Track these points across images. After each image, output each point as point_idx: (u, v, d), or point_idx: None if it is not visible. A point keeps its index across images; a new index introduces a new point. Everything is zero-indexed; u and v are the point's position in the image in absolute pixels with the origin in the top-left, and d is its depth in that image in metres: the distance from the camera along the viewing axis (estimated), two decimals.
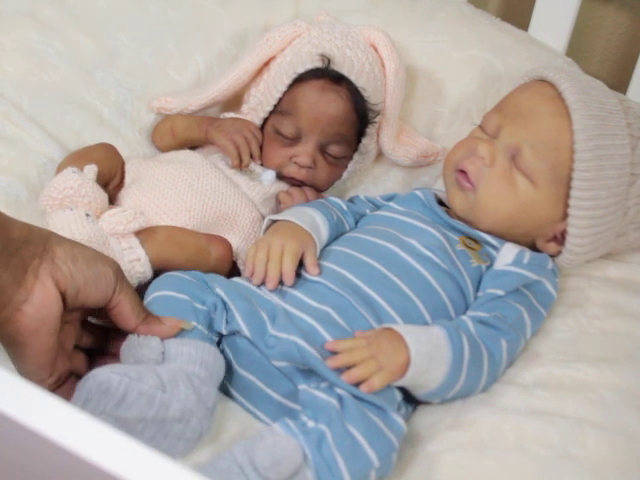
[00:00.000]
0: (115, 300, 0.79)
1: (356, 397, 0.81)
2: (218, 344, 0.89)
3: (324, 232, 0.99)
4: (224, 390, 0.89)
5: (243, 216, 1.06)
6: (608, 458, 0.80)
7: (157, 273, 0.94)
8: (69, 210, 0.90)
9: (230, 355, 0.88)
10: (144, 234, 0.95)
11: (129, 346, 0.81)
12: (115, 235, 0.92)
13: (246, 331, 0.86)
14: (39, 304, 0.73)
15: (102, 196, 0.95)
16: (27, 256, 0.73)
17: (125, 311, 0.80)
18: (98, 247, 0.90)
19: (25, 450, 0.54)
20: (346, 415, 0.79)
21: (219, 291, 0.89)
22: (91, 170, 0.97)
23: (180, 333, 0.84)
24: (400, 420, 0.81)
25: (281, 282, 0.93)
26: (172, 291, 0.88)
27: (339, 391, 0.81)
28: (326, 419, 0.78)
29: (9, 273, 0.72)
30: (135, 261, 0.92)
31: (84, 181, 0.92)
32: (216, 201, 1.04)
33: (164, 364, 0.80)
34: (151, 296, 0.88)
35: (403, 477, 0.81)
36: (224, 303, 0.89)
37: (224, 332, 0.88)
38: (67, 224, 0.89)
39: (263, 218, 1.09)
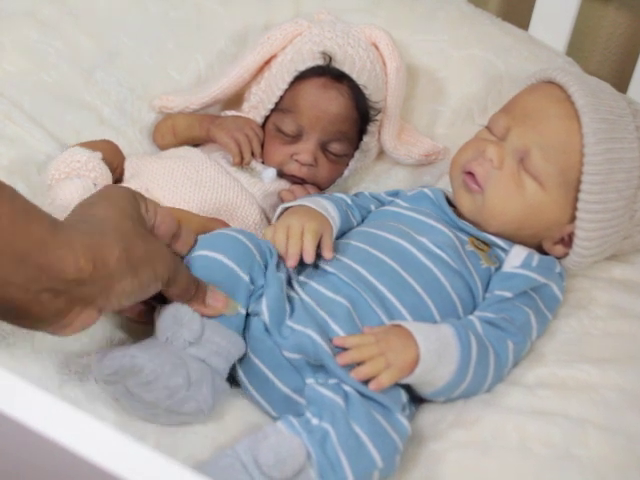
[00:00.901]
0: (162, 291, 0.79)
1: (363, 395, 0.81)
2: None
3: (337, 219, 0.99)
4: (232, 374, 0.89)
5: (243, 208, 1.06)
6: (610, 458, 0.80)
7: None
8: (77, 179, 0.90)
9: (246, 336, 0.87)
10: None
11: (173, 316, 0.81)
12: None
13: (266, 317, 0.86)
14: (79, 327, 0.72)
15: (108, 174, 0.95)
16: (78, 296, 0.69)
17: (171, 297, 0.81)
18: None
19: (24, 449, 0.53)
20: (351, 414, 0.78)
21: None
22: (96, 155, 0.98)
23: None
24: (405, 421, 0.81)
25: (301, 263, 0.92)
26: (235, 264, 0.86)
27: (346, 388, 0.81)
28: (330, 417, 0.78)
29: (50, 310, 0.68)
30: None
31: (91, 156, 0.93)
32: (215, 193, 1.04)
33: (196, 352, 0.81)
34: (210, 254, 0.86)
35: (405, 475, 0.81)
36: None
37: (248, 311, 0.87)
38: (75, 191, 0.89)
39: (264, 212, 1.09)
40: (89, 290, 0.69)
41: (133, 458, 0.50)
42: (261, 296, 0.87)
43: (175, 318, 0.81)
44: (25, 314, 0.67)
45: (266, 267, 0.89)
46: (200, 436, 0.80)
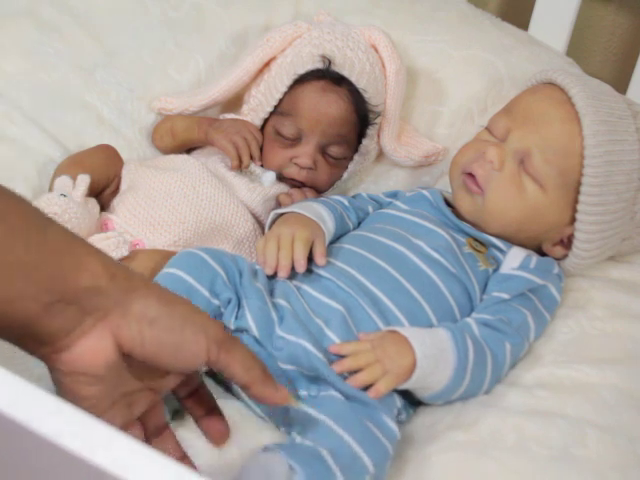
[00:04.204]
0: (218, 365, 0.67)
1: (354, 402, 0.81)
2: None
3: (330, 224, 0.99)
4: (225, 383, 0.89)
5: (238, 226, 1.06)
6: (608, 458, 0.80)
7: None
8: None
9: None
10: (125, 260, 0.94)
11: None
12: None
13: (255, 331, 0.86)
14: (78, 356, 0.62)
15: (88, 219, 0.94)
16: (89, 307, 0.61)
17: (235, 373, 0.68)
18: None
19: (25, 450, 0.53)
20: (341, 423, 0.78)
21: (239, 286, 0.89)
22: (83, 182, 0.97)
23: None
24: (394, 426, 0.81)
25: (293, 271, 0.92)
26: (192, 278, 0.86)
27: (336, 395, 0.81)
28: (314, 433, 0.77)
29: (58, 322, 0.61)
30: None
31: (68, 206, 0.92)
32: (211, 212, 1.04)
33: None
34: (170, 271, 0.87)
35: (403, 477, 0.81)
36: (239, 299, 0.88)
37: (231, 327, 0.87)
38: None
39: (260, 225, 1.09)
40: (103, 301, 0.62)
41: (133, 458, 0.50)
42: (239, 309, 0.87)
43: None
44: (30, 329, 0.62)
45: (233, 281, 0.89)
46: (200, 440, 0.81)
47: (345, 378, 0.82)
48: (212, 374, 0.91)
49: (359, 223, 1.05)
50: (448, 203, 1.05)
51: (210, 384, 0.91)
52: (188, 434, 0.83)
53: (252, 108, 1.14)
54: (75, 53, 1.16)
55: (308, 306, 0.89)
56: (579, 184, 0.96)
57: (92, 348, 0.62)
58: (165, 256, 0.93)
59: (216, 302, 0.87)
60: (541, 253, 1.02)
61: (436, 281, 0.93)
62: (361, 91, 1.09)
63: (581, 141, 0.96)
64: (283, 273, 0.91)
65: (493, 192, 0.98)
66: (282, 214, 1.00)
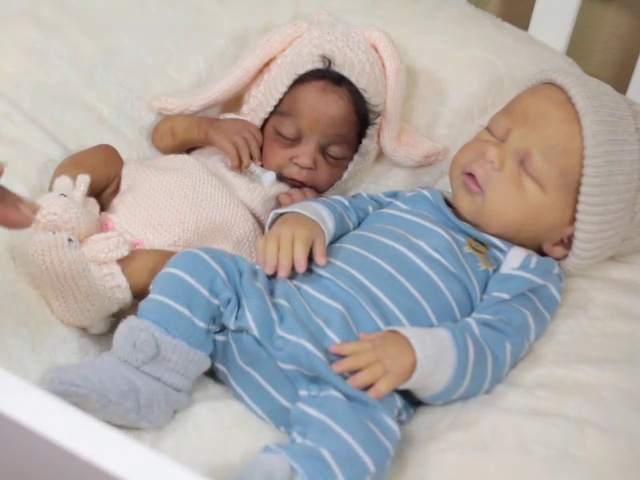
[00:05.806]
0: None
1: (355, 402, 0.81)
2: (220, 331, 0.89)
3: (330, 224, 0.99)
4: (225, 381, 0.90)
5: (237, 226, 1.06)
6: (609, 458, 0.80)
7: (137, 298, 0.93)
8: (51, 234, 0.90)
9: (235, 350, 0.88)
10: (125, 260, 0.94)
11: (125, 337, 0.82)
12: (96, 262, 0.92)
13: (255, 331, 0.86)
14: None
15: (88, 219, 0.94)
16: None
17: None
18: (77, 274, 0.89)
19: (24, 449, 0.53)
20: (342, 423, 0.78)
21: (238, 286, 0.89)
22: (82, 182, 0.96)
23: (176, 328, 0.84)
24: (394, 426, 0.81)
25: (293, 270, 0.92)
26: (192, 278, 0.87)
27: (337, 395, 0.81)
28: (315, 433, 0.78)
29: None
30: (115, 287, 0.92)
31: (68, 206, 0.92)
32: (211, 212, 1.04)
33: (151, 370, 0.82)
34: (170, 271, 0.88)
35: (403, 477, 0.81)
36: (239, 298, 0.88)
37: (231, 327, 0.88)
38: (47, 249, 0.88)
39: (260, 225, 1.09)
40: None
41: (133, 459, 0.50)
42: (239, 309, 0.88)
43: (128, 339, 0.82)
44: None
45: (233, 281, 0.89)
46: (200, 440, 0.81)
47: (345, 378, 0.83)
48: (212, 374, 0.92)
49: (359, 223, 1.05)
50: (448, 203, 1.05)
51: (210, 384, 0.91)
52: (187, 433, 0.83)
53: (252, 108, 1.14)
54: (75, 53, 1.16)
55: (308, 306, 0.89)
56: (579, 184, 0.96)
57: None
58: (165, 256, 0.93)
59: (216, 302, 0.87)
60: (541, 253, 1.02)
61: (436, 281, 0.93)
62: (361, 91, 1.09)
63: (581, 141, 0.96)
64: (283, 273, 0.91)
65: (493, 192, 0.98)
66: (282, 214, 1.00)
